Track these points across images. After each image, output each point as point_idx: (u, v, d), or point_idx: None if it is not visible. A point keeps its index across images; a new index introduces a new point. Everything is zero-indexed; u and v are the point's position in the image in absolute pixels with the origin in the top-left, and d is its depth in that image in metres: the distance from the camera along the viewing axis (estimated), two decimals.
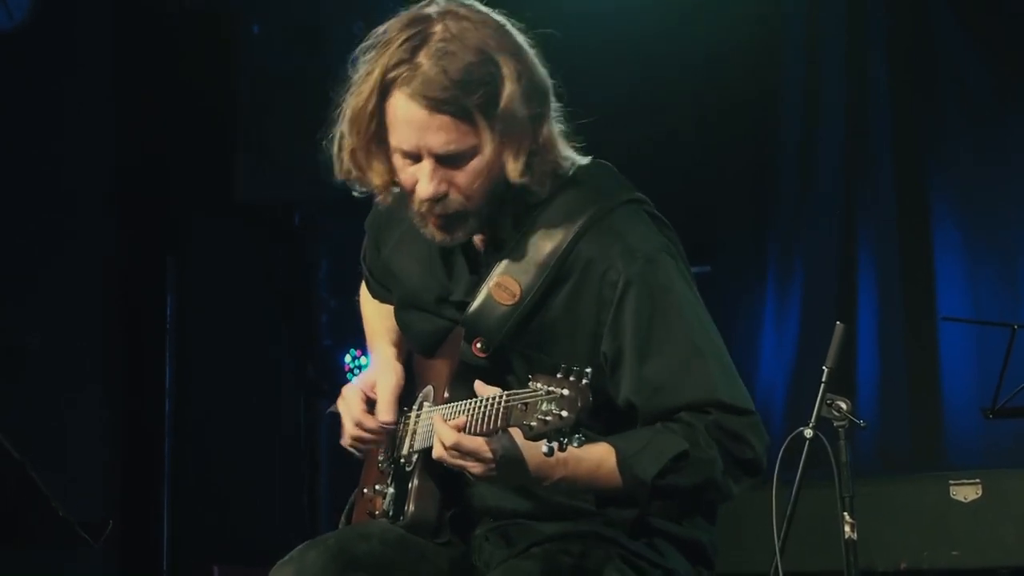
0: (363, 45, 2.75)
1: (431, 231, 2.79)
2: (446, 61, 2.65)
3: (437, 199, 2.73)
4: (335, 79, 2.81)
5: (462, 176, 2.71)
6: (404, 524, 2.88)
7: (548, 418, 2.43)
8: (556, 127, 2.78)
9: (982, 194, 6.28)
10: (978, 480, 4.71)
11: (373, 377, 3.04)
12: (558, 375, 2.45)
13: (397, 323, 3.07)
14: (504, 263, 2.79)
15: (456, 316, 2.87)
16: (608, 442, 2.70)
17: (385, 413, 2.95)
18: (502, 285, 2.77)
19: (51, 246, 5.91)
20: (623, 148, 6.16)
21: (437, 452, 2.63)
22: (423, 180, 2.72)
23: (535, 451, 2.58)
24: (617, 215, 2.79)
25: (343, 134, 2.78)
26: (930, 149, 6.40)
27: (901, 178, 6.44)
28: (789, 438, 3.28)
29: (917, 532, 4.75)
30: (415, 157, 2.72)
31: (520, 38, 2.76)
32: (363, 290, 3.25)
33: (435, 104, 2.66)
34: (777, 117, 6.74)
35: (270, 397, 6.62)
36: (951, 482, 4.73)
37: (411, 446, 2.93)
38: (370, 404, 3.00)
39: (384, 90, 2.70)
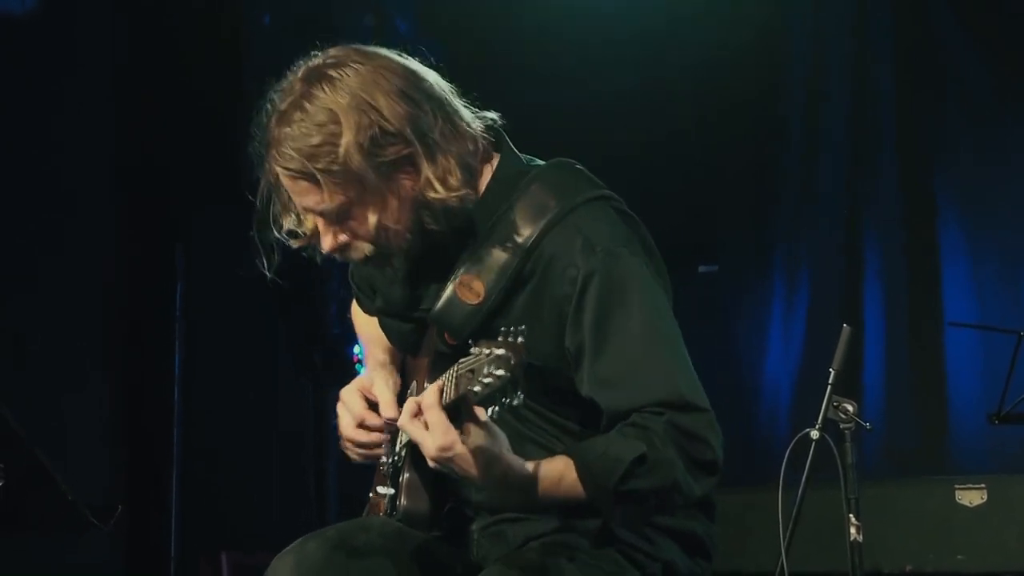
0: (272, 90, 2.76)
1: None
2: (293, 130, 2.67)
3: (340, 250, 2.77)
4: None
5: (357, 226, 2.73)
6: (399, 517, 2.88)
7: (489, 380, 2.44)
8: (441, 164, 2.70)
9: (983, 194, 6.29)
10: (983, 485, 4.71)
11: (369, 380, 3.05)
12: (499, 338, 2.46)
13: (380, 328, 3.09)
14: (469, 262, 2.79)
15: (425, 316, 2.87)
16: (565, 454, 2.69)
17: (388, 410, 2.94)
18: (466, 284, 2.77)
19: (51, 245, 5.90)
20: (624, 148, 6.22)
21: (402, 420, 2.61)
22: (321, 236, 2.77)
23: (505, 460, 2.60)
24: (579, 212, 2.78)
25: (266, 193, 2.82)
26: (932, 149, 6.40)
27: (905, 178, 6.44)
28: (795, 440, 3.27)
29: (922, 536, 4.74)
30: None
31: (403, 81, 2.69)
32: (354, 306, 3.28)
33: (290, 173, 2.70)
34: (779, 117, 6.75)
35: (278, 386, 6.63)
36: (956, 486, 4.73)
37: (402, 442, 2.93)
38: (372, 406, 3.00)
39: (268, 152, 2.74)
